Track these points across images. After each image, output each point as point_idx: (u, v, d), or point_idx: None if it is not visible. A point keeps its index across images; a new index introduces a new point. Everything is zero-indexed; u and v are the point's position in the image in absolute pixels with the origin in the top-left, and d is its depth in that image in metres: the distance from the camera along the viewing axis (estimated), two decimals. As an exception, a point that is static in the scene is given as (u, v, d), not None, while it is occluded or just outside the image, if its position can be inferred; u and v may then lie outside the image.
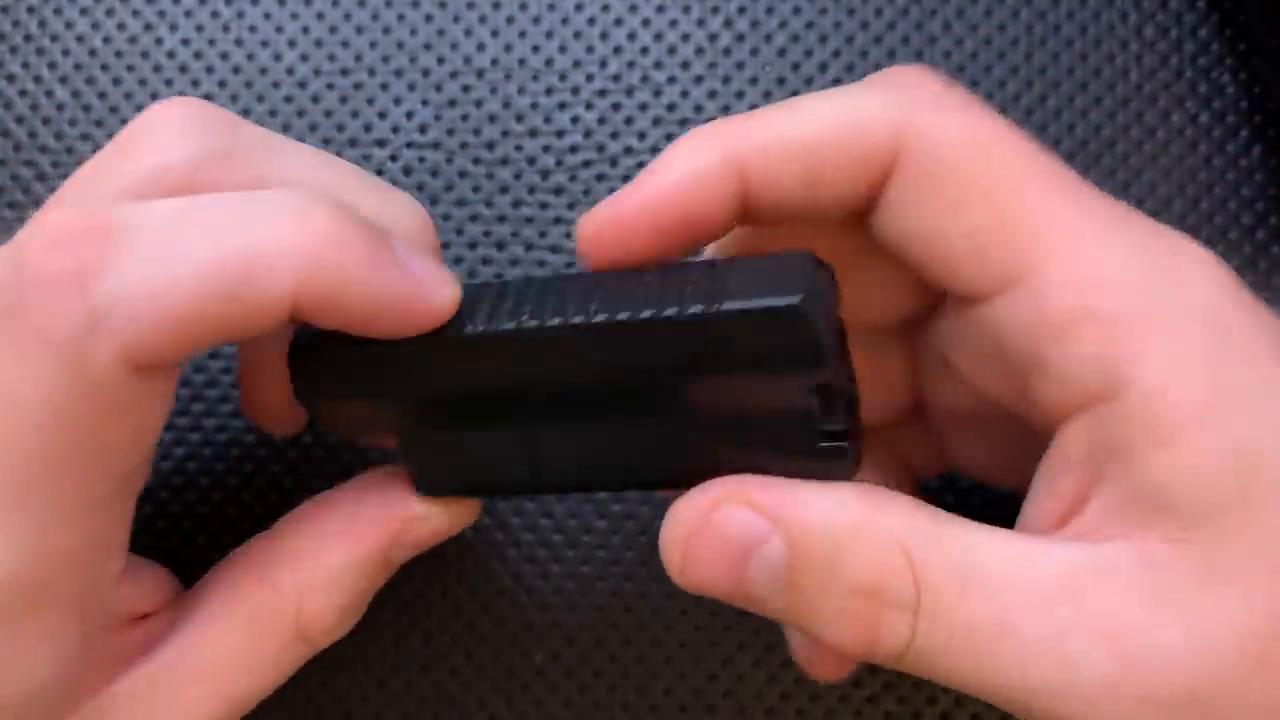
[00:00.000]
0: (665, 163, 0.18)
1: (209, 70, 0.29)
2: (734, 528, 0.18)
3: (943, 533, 0.17)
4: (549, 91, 0.29)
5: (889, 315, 0.21)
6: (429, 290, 0.18)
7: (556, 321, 0.18)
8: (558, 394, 0.18)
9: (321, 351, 0.20)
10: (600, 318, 0.17)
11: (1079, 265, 0.17)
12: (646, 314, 0.17)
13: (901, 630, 0.17)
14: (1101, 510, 0.17)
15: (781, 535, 0.17)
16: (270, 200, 0.18)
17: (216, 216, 0.17)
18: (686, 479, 0.18)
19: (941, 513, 0.18)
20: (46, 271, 0.16)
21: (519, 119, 0.29)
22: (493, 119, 0.29)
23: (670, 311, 0.17)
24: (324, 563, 0.21)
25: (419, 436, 0.20)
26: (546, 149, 0.28)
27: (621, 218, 0.18)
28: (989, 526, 0.17)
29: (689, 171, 0.18)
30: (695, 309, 0.17)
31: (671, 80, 0.29)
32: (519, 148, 0.28)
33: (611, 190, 0.28)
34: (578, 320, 0.17)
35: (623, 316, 0.17)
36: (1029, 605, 0.16)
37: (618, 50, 0.29)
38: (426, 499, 0.22)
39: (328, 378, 0.20)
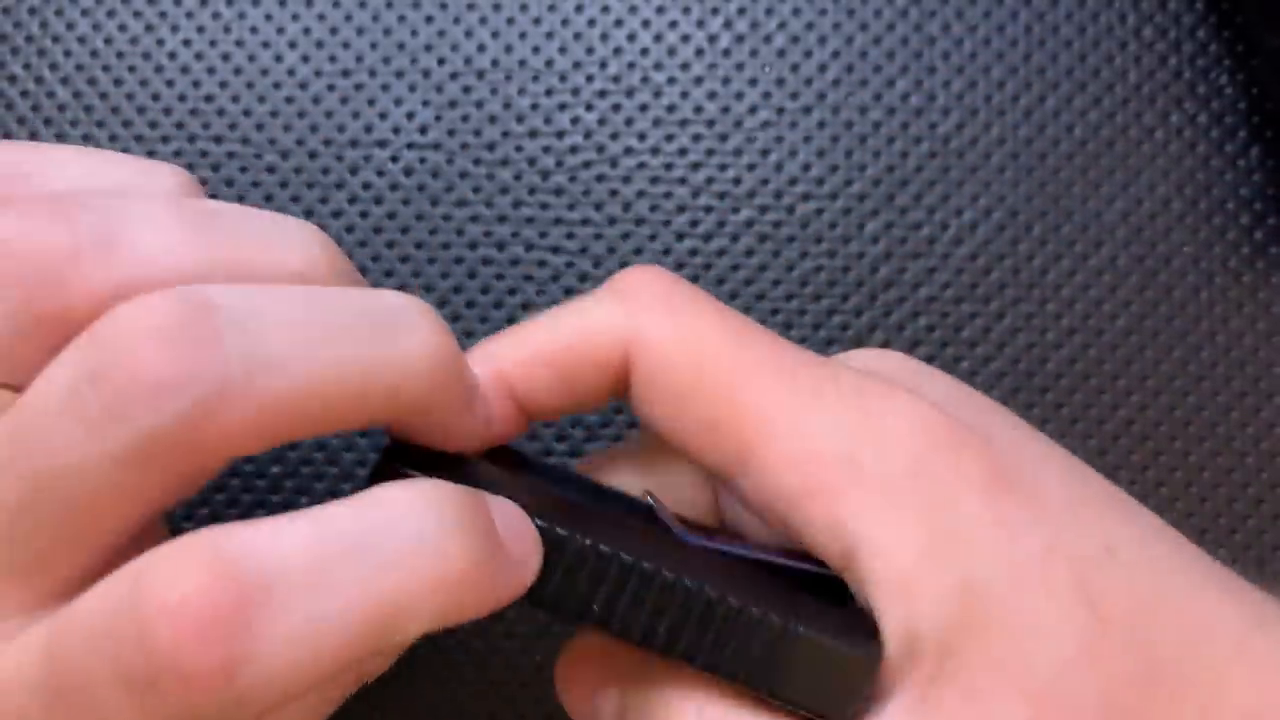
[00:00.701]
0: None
1: (210, 71, 0.29)
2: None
3: None
4: (549, 93, 0.29)
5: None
6: (527, 574, 0.18)
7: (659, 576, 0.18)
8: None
9: None
10: (705, 592, 0.18)
11: (793, 445, 0.19)
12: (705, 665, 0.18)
13: None
14: (888, 654, 0.19)
15: None
16: (406, 527, 0.16)
17: (355, 557, 0.16)
18: None
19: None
20: (186, 667, 0.14)
21: (519, 120, 0.29)
22: (493, 120, 0.29)
23: (731, 673, 0.18)
24: None
25: None
26: (547, 150, 0.29)
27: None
28: None
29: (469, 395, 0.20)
30: (751, 684, 0.18)
31: (671, 81, 0.29)
32: (519, 149, 0.29)
33: (611, 191, 0.28)
34: (669, 578, 0.18)
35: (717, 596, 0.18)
36: None
37: (618, 52, 0.29)
38: None
39: None
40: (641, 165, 0.28)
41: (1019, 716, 0.18)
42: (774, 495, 0.19)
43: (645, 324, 0.20)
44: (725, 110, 0.29)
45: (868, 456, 0.19)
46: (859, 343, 0.28)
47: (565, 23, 0.29)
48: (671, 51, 0.29)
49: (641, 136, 0.29)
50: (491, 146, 0.29)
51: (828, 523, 0.19)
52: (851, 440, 0.19)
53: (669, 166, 0.28)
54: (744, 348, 0.20)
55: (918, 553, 0.18)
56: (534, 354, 0.20)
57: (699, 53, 0.29)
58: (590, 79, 0.29)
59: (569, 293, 0.28)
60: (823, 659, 0.18)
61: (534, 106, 0.29)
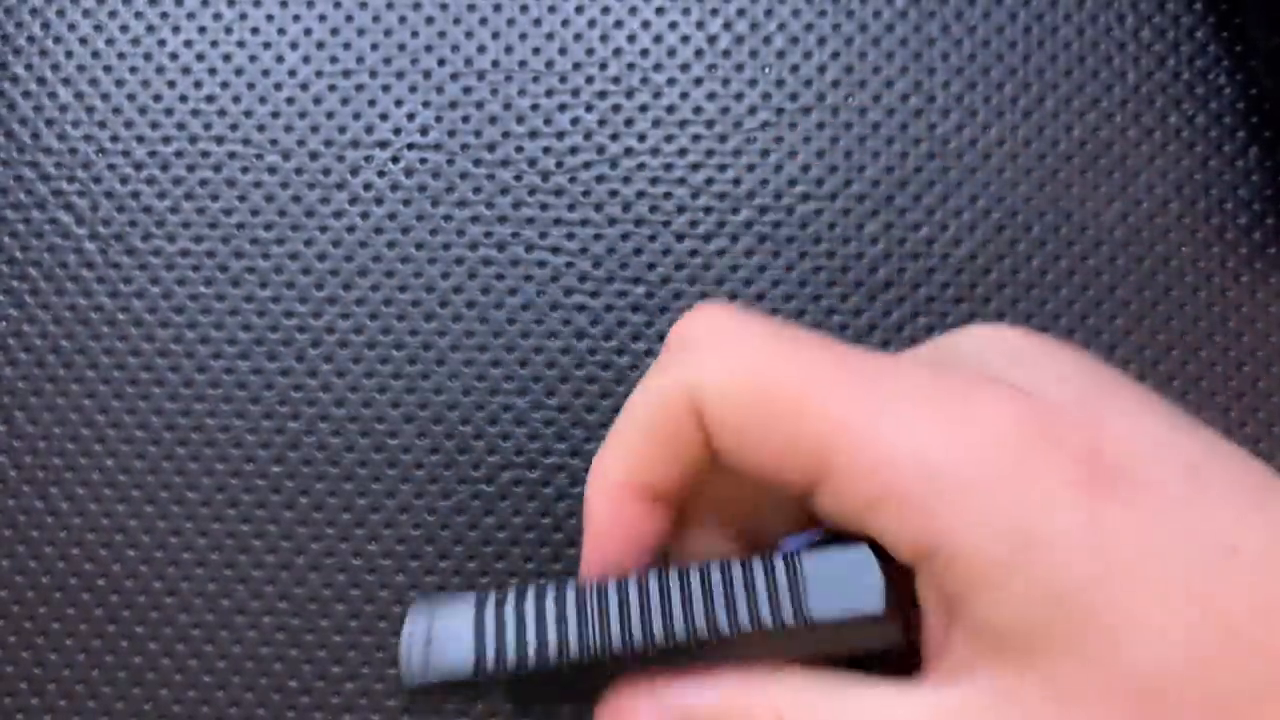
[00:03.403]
0: (597, 521, 0.22)
1: (212, 72, 0.29)
2: (637, 715, 0.20)
3: (815, 699, 0.19)
4: (549, 94, 0.29)
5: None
6: None
7: (664, 640, 0.20)
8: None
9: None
10: (704, 634, 0.20)
11: (867, 454, 0.19)
12: (745, 627, 0.20)
13: None
14: (963, 645, 0.19)
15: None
16: None
17: None
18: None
19: (822, 675, 0.19)
20: None
21: (520, 121, 0.29)
22: (494, 121, 0.29)
23: (767, 624, 0.19)
24: None
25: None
26: (547, 151, 0.29)
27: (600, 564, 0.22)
28: (860, 678, 0.19)
29: (613, 514, 0.22)
30: (788, 621, 0.19)
31: (671, 82, 0.29)
32: (520, 149, 0.29)
33: (611, 192, 0.29)
34: (680, 639, 0.20)
35: (724, 630, 0.20)
36: None
37: (618, 53, 0.29)
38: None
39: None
40: (641, 166, 0.28)
41: (1112, 718, 0.17)
42: (852, 506, 0.19)
43: (701, 374, 0.20)
44: (725, 111, 0.29)
45: (945, 459, 0.18)
46: (858, 343, 0.28)
47: (565, 24, 0.29)
48: (671, 53, 0.29)
49: (641, 138, 0.29)
50: (492, 147, 0.29)
51: (905, 529, 0.19)
52: (928, 444, 0.19)
53: (669, 167, 0.28)
54: (805, 365, 0.20)
55: (998, 558, 0.18)
56: (631, 452, 0.21)
57: (698, 54, 0.29)
58: (590, 80, 0.29)
59: (569, 293, 0.28)
60: (829, 567, 0.19)
61: (534, 108, 0.29)
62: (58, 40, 0.29)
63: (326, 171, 0.29)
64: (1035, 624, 0.18)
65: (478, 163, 0.29)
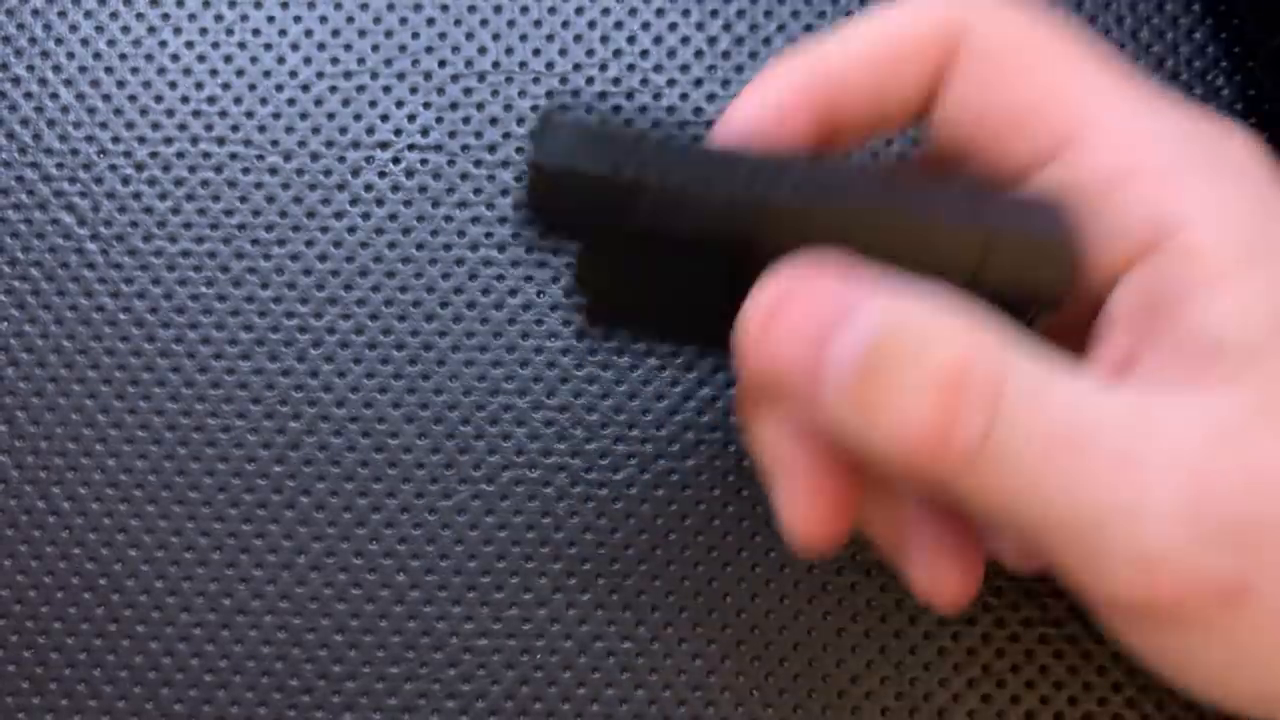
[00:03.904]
0: (748, 95, 0.20)
1: (213, 73, 0.29)
2: (823, 298, 0.17)
3: (1028, 349, 0.17)
4: (550, 94, 0.29)
5: None
6: None
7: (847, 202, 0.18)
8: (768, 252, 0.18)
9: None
10: (898, 205, 0.17)
11: (1121, 127, 0.18)
12: (921, 259, 0.18)
13: (977, 426, 0.16)
14: (1157, 360, 0.17)
15: (871, 312, 0.17)
16: None
17: None
18: None
19: (1025, 334, 0.18)
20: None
21: (520, 122, 0.29)
22: (494, 122, 0.29)
23: (942, 267, 0.17)
24: None
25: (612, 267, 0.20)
26: (547, 151, 0.29)
27: (727, 133, 0.20)
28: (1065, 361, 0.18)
29: (776, 97, 0.20)
30: (965, 274, 0.18)
31: (671, 83, 0.29)
32: (521, 150, 0.29)
33: (612, 192, 0.29)
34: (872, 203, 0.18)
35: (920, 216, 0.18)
36: (1106, 426, 0.17)
37: (618, 54, 0.29)
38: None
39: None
40: (641, 167, 0.28)
41: None
42: (1092, 176, 0.18)
43: (974, 9, 0.19)
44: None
45: (1201, 154, 0.18)
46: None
47: (565, 25, 0.29)
48: (671, 54, 0.29)
49: (641, 138, 0.29)
50: (493, 148, 0.29)
51: (1144, 203, 0.18)
52: (1183, 136, 0.18)
53: (669, 168, 0.29)
54: (1077, 42, 0.19)
55: (1241, 252, 0.17)
56: (852, 57, 0.19)
57: (698, 55, 0.29)
58: (590, 81, 0.29)
59: (569, 294, 0.28)
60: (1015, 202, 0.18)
61: (535, 109, 0.29)
62: (60, 41, 0.29)
63: (328, 172, 0.29)
64: (1257, 330, 0.17)
65: (478, 164, 0.29)
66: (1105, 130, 0.18)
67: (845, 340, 0.17)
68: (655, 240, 0.18)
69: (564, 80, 0.29)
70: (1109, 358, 0.18)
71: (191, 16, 0.29)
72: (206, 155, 0.29)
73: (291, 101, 0.29)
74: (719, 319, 0.19)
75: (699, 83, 0.29)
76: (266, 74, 0.29)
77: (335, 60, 0.29)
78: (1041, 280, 0.18)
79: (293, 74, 0.29)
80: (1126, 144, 0.18)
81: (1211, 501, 0.16)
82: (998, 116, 0.19)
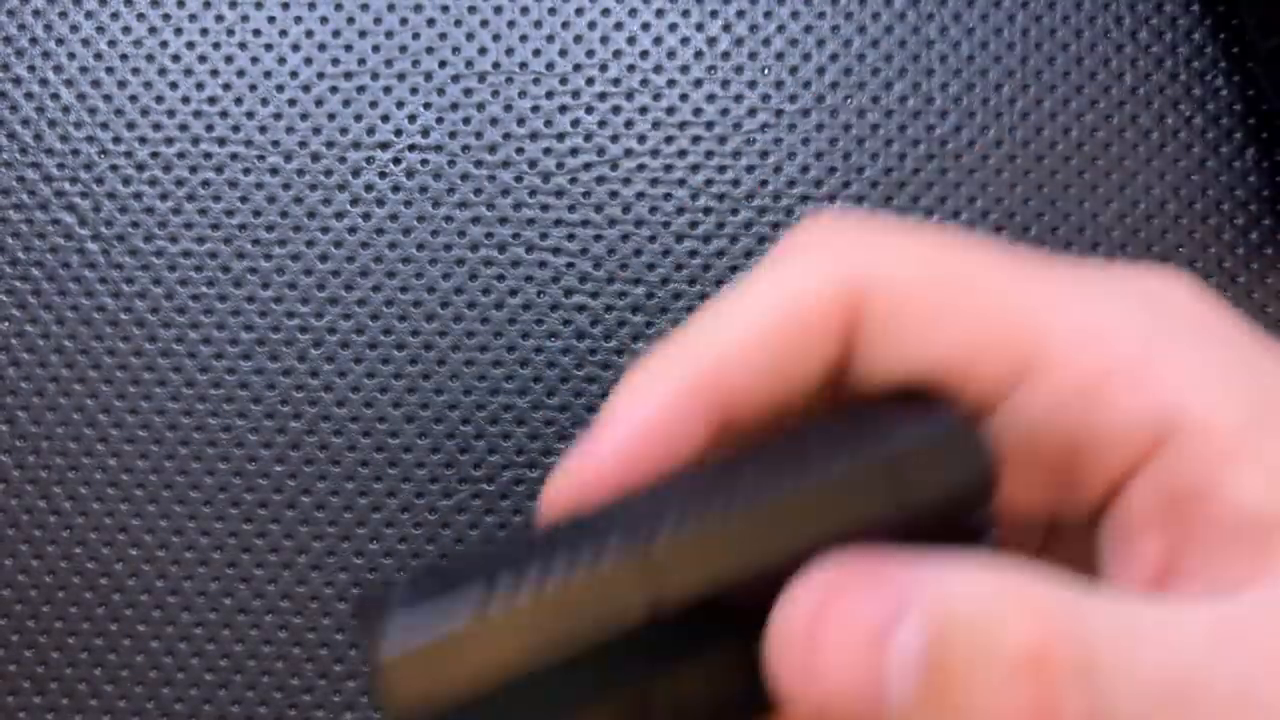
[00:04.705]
0: (626, 408, 0.17)
1: (214, 74, 0.29)
2: (866, 606, 0.15)
3: (1090, 592, 0.15)
4: (550, 95, 0.29)
5: None
6: None
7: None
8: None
9: None
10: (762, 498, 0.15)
11: (1077, 331, 0.17)
12: (843, 526, 0.15)
13: (1080, 700, 0.14)
14: (1199, 559, 0.16)
15: (921, 610, 0.15)
16: None
17: None
18: None
19: (1072, 577, 0.16)
20: None
21: (520, 122, 0.29)
22: (494, 122, 0.29)
23: (867, 518, 0.15)
24: None
25: None
26: (548, 152, 0.29)
27: (593, 479, 0.17)
28: (1112, 588, 0.16)
29: (655, 414, 0.17)
30: (887, 510, 0.15)
31: (671, 84, 0.29)
32: (520, 151, 0.29)
33: (611, 193, 0.29)
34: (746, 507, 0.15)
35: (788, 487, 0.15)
36: (1207, 655, 0.15)
37: (618, 54, 0.29)
38: None
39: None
40: (641, 167, 0.29)
41: None
42: (1067, 392, 0.16)
43: (864, 262, 0.17)
44: (724, 113, 0.29)
45: (1161, 322, 0.16)
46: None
47: (566, 26, 0.29)
48: (671, 54, 0.29)
49: (641, 139, 0.29)
50: (493, 149, 0.29)
51: (1140, 403, 0.16)
52: (1139, 310, 0.16)
53: (668, 169, 0.29)
54: (979, 251, 0.17)
55: (1248, 423, 0.16)
56: (745, 340, 0.17)
57: (698, 55, 0.29)
58: (591, 82, 0.29)
59: (570, 294, 0.28)
60: (930, 446, 0.16)
61: (535, 109, 0.29)
62: (61, 42, 0.29)
63: (329, 173, 0.29)
64: None
65: (479, 164, 0.29)
66: (1061, 341, 0.16)
67: (906, 640, 0.14)
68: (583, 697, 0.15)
69: (564, 80, 0.29)
70: (1143, 572, 0.17)
71: (193, 17, 0.29)
72: (208, 156, 0.29)
73: (293, 102, 0.29)
74: None
75: (699, 83, 0.29)
76: (268, 75, 0.29)
77: (336, 61, 0.29)
78: (967, 474, 0.16)
79: (294, 75, 0.29)
80: (1089, 346, 0.16)
81: None
82: (934, 368, 0.17)
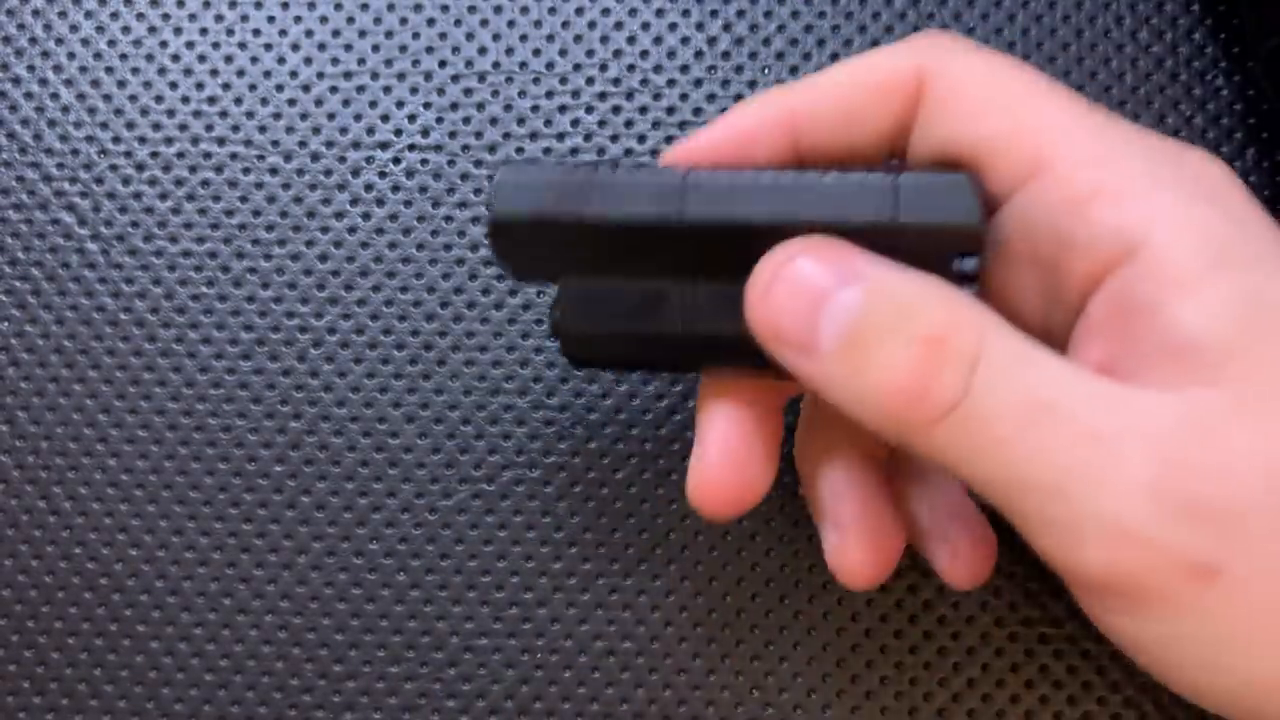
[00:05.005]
0: (728, 116, 0.22)
1: (213, 73, 0.29)
2: (812, 276, 0.19)
3: (1009, 329, 0.18)
4: (550, 95, 0.29)
5: None
6: None
7: (770, 217, 0.20)
8: (721, 265, 0.20)
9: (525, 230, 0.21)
10: (807, 216, 0.19)
11: (1085, 150, 0.19)
12: (840, 218, 0.19)
13: (954, 385, 0.18)
14: (1135, 362, 0.18)
15: (859, 286, 0.18)
16: None
17: None
18: None
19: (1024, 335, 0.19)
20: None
21: (520, 122, 0.29)
22: (494, 122, 0.29)
23: (860, 219, 0.19)
24: None
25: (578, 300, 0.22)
26: (548, 152, 0.29)
27: (692, 152, 0.22)
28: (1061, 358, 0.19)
29: (746, 123, 0.21)
30: (880, 219, 0.19)
31: (671, 84, 0.29)
32: (520, 150, 0.29)
33: (612, 192, 0.29)
34: (789, 219, 0.19)
35: (823, 216, 0.19)
36: (1079, 402, 0.18)
37: (618, 54, 0.29)
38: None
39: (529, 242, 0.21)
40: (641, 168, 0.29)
41: None
42: (1061, 197, 0.19)
43: (941, 54, 0.21)
44: (724, 113, 0.29)
45: (1163, 171, 0.19)
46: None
47: (566, 25, 0.29)
48: (671, 54, 0.29)
49: (641, 139, 0.29)
50: (493, 149, 0.29)
51: (1116, 217, 0.19)
52: (1145, 156, 0.19)
53: (669, 168, 0.29)
54: (1040, 80, 0.20)
55: (1209, 258, 0.18)
56: (824, 90, 0.21)
57: (698, 55, 0.29)
58: (590, 82, 0.29)
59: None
60: (927, 184, 0.19)
61: (535, 109, 0.29)
62: (60, 42, 0.29)
63: (328, 173, 0.29)
64: (1229, 331, 0.17)
65: (479, 164, 0.29)
66: (1070, 154, 0.19)
67: (839, 306, 0.18)
68: (621, 269, 0.21)
69: (564, 80, 0.29)
70: (1088, 362, 0.19)
71: (192, 17, 0.29)
72: (207, 155, 0.29)
73: (292, 102, 0.29)
74: (693, 347, 0.21)
75: (699, 83, 0.29)
76: (267, 74, 0.29)
77: (336, 61, 0.29)
78: (955, 213, 0.19)
79: (293, 74, 0.29)
80: (1091, 165, 0.19)
81: (1181, 481, 0.17)
82: (968, 149, 0.20)
